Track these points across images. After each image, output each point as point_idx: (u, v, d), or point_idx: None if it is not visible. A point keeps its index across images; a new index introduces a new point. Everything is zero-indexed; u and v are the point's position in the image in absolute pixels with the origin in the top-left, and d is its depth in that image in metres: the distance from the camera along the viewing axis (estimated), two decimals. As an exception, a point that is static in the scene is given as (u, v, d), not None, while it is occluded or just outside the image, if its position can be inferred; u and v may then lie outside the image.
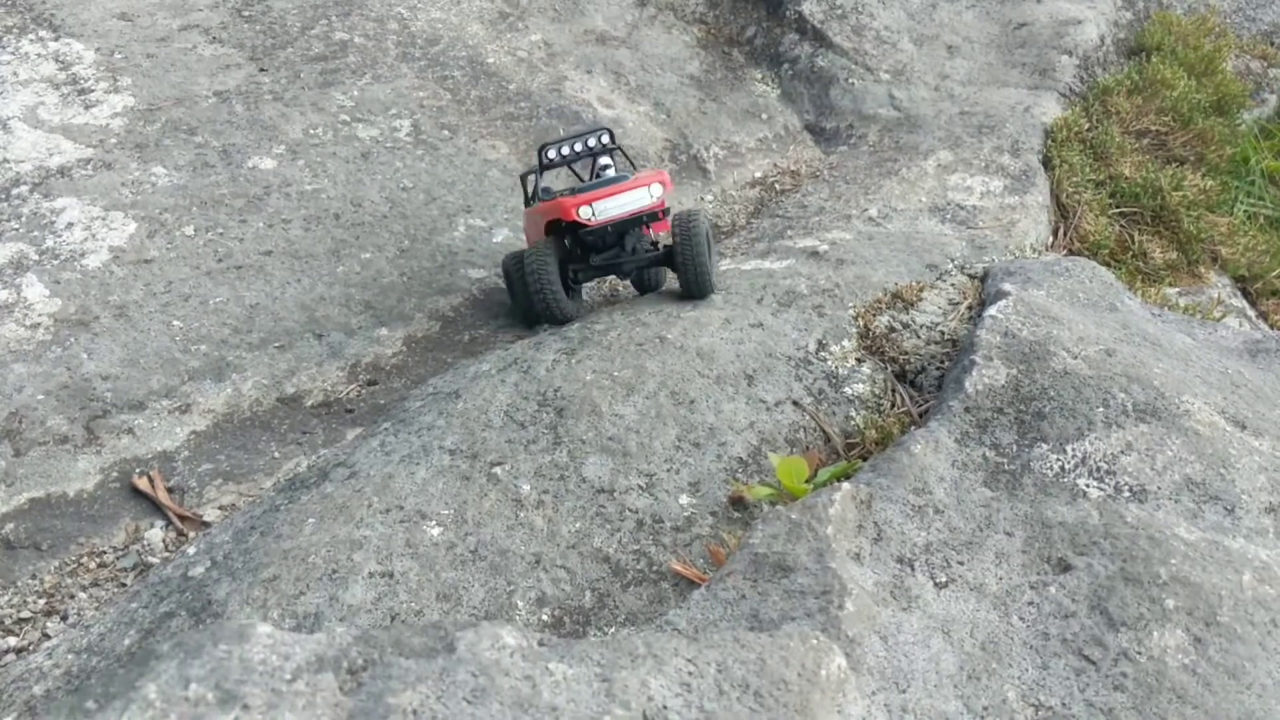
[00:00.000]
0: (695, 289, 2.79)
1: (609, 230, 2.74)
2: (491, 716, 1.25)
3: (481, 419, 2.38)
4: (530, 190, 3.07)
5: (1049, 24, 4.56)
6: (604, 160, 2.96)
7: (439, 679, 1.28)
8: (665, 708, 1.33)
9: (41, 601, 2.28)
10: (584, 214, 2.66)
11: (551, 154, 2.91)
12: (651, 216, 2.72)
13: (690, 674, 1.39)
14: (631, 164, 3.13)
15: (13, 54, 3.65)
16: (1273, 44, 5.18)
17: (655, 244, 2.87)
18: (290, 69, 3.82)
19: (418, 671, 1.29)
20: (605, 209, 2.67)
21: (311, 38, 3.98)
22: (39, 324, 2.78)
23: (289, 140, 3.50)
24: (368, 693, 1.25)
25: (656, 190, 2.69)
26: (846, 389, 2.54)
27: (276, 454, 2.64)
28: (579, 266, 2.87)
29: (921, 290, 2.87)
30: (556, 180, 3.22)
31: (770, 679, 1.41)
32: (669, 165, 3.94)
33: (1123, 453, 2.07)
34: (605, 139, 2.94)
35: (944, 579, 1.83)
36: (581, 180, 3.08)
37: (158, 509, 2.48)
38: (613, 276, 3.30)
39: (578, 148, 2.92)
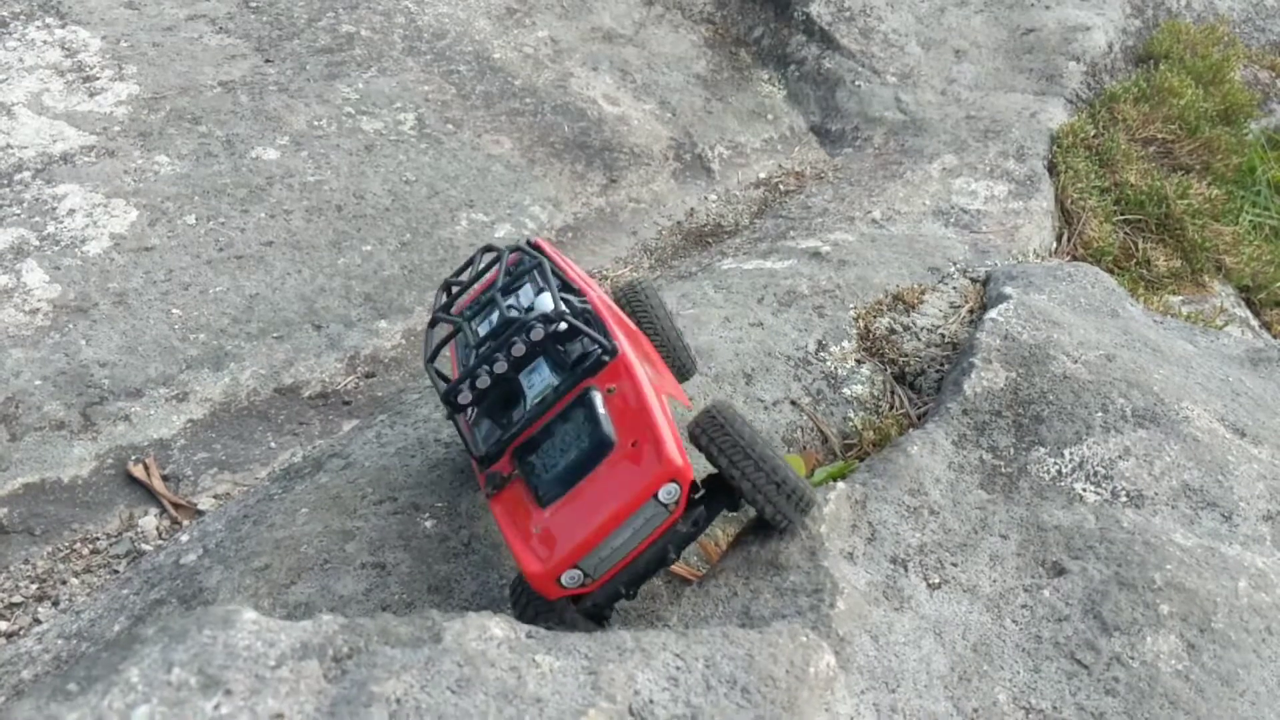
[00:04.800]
0: (782, 502, 1.70)
1: (622, 589, 1.65)
2: (475, 706, 1.24)
3: (478, 412, 2.38)
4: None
5: (1057, 30, 4.55)
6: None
7: (424, 668, 1.27)
8: (651, 702, 1.32)
9: (33, 587, 2.28)
10: (571, 582, 1.58)
11: (467, 387, 1.69)
12: (684, 541, 1.65)
13: (678, 669, 1.38)
14: (590, 319, 1.74)
15: (19, 40, 3.65)
16: (1282, 54, 5.16)
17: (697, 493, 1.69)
18: (296, 60, 3.81)
19: (403, 660, 1.28)
20: (604, 558, 1.58)
21: (318, 29, 3.98)
22: (38, 309, 2.77)
23: (293, 131, 3.50)
24: (351, 680, 1.24)
25: (671, 493, 1.56)
26: (845, 390, 2.53)
27: (273, 444, 2.64)
28: (604, 601, 1.67)
29: (923, 293, 2.86)
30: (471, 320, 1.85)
31: (758, 675, 1.40)
32: (673, 164, 3.93)
33: (1120, 458, 2.06)
34: (535, 332, 1.68)
35: (937, 580, 1.82)
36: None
37: (152, 497, 2.48)
38: None
39: (497, 354, 1.69)
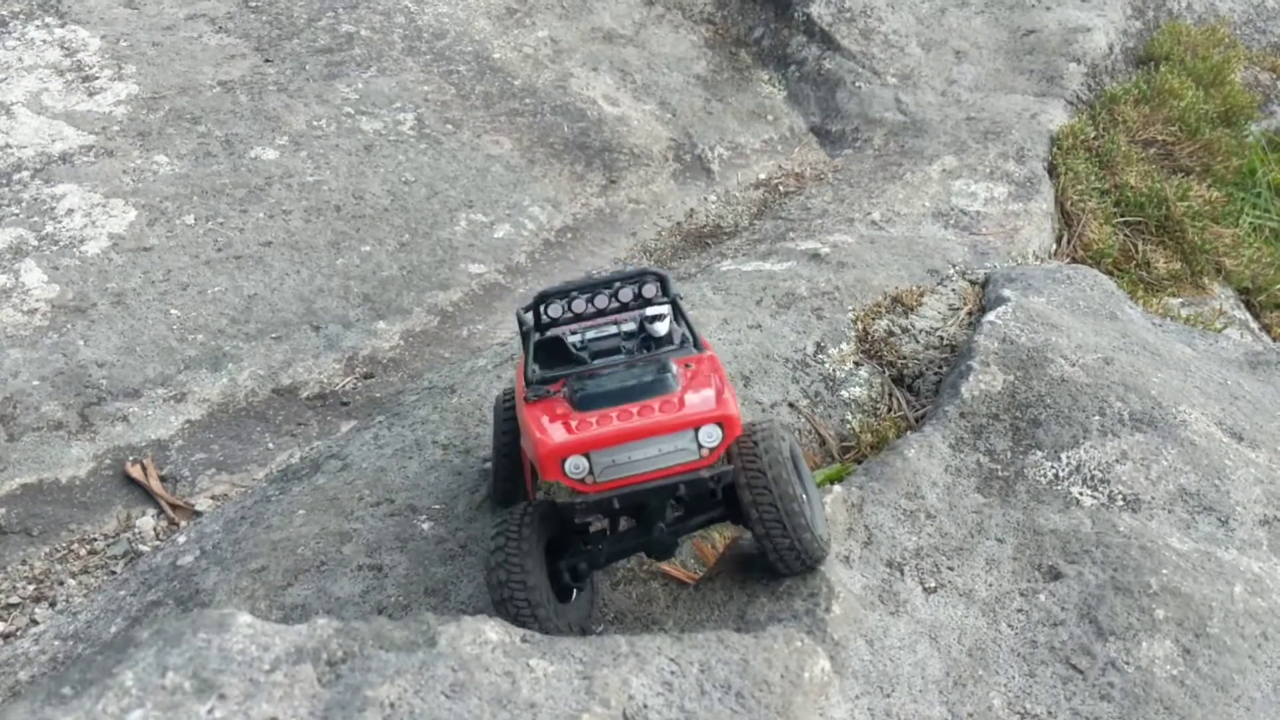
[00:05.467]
0: (791, 558, 1.66)
1: (616, 503, 1.59)
2: (469, 712, 1.24)
3: (476, 414, 2.38)
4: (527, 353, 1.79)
5: (1058, 31, 4.54)
6: (655, 321, 1.75)
7: (418, 673, 1.27)
8: (645, 706, 1.32)
9: (31, 587, 2.28)
10: (573, 471, 1.54)
11: (555, 309, 1.76)
12: (698, 486, 1.58)
13: (672, 673, 1.38)
14: (691, 332, 1.76)
15: (18, 40, 3.65)
16: (1283, 56, 5.15)
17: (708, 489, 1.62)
18: (295, 60, 3.81)
19: (397, 665, 1.28)
20: (617, 464, 1.54)
21: (318, 29, 3.98)
22: (36, 309, 2.78)
23: (292, 131, 3.50)
24: (346, 685, 1.24)
25: (712, 435, 1.55)
26: (843, 392, 2.53)
27: (270, 445, 2.64)
28: (578, 557, 1.71)
29: (922, 295, 2.86)
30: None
31: (753, 680, 1.40)
32: (673, 164, 3.93)
33: (1117, 462, 2.06)
34: (651, 289, 1.76)
35: (933, 584, 1.82)
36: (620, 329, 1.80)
37: (150, 497, 2.48)
38: None
39: (599, 302, 1.76)
